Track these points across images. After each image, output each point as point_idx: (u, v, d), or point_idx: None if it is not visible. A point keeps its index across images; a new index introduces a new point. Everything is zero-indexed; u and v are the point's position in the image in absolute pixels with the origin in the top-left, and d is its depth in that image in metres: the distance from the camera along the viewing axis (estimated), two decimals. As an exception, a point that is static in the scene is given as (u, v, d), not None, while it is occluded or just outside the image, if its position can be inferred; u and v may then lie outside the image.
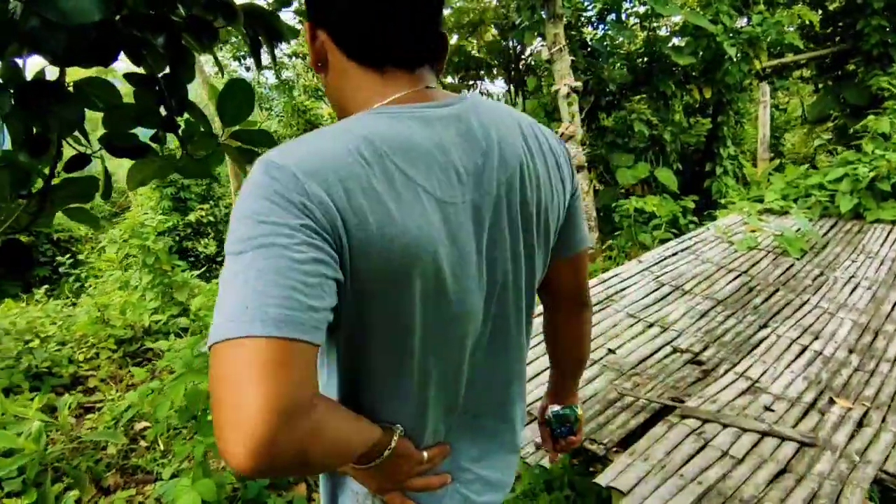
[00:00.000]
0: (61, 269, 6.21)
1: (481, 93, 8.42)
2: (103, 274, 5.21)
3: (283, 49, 9.60)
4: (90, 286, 5.62)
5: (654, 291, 3.14)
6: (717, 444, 1.81)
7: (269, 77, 10.05)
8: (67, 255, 6.23)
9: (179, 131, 1.22)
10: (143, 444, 2.83)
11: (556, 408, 1.08)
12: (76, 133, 1.07)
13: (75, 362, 3.45)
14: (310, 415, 0.51)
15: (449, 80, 8.64)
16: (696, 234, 4.12)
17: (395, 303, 0.61)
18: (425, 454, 0.75)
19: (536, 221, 0.74)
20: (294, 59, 10.26)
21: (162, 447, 2.76)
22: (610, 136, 6.29)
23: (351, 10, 0.63)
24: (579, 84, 5.31)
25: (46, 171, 1.06)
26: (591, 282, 3.24)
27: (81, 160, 1.15)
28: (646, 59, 6.61)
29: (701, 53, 6.28)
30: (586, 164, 5.42)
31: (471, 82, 8.56)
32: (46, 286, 5.53)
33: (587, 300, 0.98)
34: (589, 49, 6.43)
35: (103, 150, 1.16)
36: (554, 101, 6.74)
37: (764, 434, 1.87)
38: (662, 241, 5.40)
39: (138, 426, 2.93)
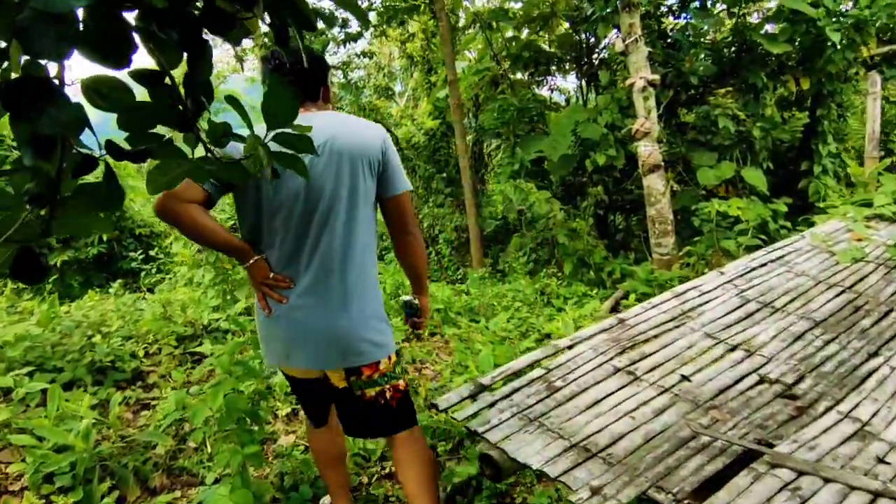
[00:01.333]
0: (133, 265, 6.52)
1: (551, 88, 8.08)
2: (177, 269, 5.41)
3: (356, 48, 9.66)
4: (164, 281, 5.85)
5: (737, 308, 2.77)
6: None
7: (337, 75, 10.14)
8: (139, 252, 6.53)
9: (202, 133, 1.11)
10: (191, 444, 2.82)
11: (406, 298, 1.84)
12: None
13: (138, 357, 3.53)
14: (180, 204, 1.46)
15: (518, 76, 8.37)
16: (789, 243, 3.66)
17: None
18: (272, 274, 1.59)
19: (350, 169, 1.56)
20: (364, 58, 10.32)
21: (209, 449, 2.73)
22: (691, 133, 5.81)
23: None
24: (656, 77, 4.91)
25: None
26: (664, 295, 2.91)
27: (87, 164, 1.05)
28: (733, 48, 6.06)
29: (798, 40, 5.66)
30: (662, 164, 5.01)
31: (540, 77, 8.24)
32: (121, 280, 5.79)
33: (411, 230, 1.71)
34: (669, 40, 5.97)
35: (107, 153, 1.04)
36: (628, 95, 6.33)
37: (877, 494, 1.53)
38: (749, 249, 4.90)
39: (188, 426, 2.93)
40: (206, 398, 2.23)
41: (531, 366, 2.32)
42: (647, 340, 2.49)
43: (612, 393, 2.11)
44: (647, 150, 4.96)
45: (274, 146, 0.95)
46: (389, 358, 1.65)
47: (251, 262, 1.58)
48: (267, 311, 1.60)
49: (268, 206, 1.54)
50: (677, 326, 2.60)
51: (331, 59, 9.58)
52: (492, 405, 2.03)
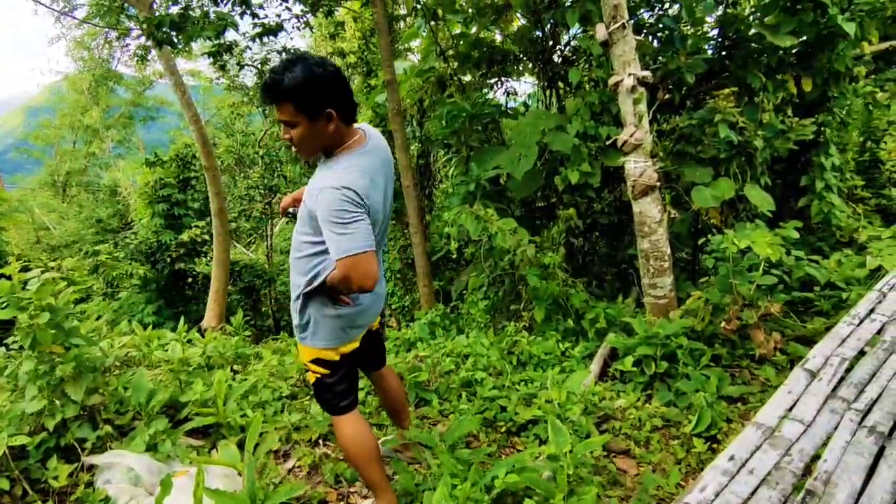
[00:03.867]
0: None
1: (507, 92, 6.96)
2: None
3: (274, 44, 8.27)
4: None
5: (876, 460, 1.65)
6: None
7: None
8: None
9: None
10: None
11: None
12: None
13: None
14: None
15: (468, 77, 7.20)
16: (871, 306, 2.60)
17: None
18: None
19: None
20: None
21: None
22: (680, 144, 4.80)
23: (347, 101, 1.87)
24: (648, 74, 3.84)
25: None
26: (746, 434, 1.77)
27: None
28: (724, 42, 5.12)
29: (800, 33, 4.76)
30: (657, 184, 3.95)
31: (493, 80, 7.10)
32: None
33: None
34: (656, 29, 4.97)
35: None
36: (601, 100, 5.28)
37: None
38: (770, 290, 3.88)
39: None
40: None
41: None
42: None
43: None
44: (639, 168, 3.88)
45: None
46: None
47: None
48: (351, 303, 2.05)
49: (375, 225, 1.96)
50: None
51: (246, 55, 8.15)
52: None
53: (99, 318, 5.09)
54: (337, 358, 2.12)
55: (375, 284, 1.79)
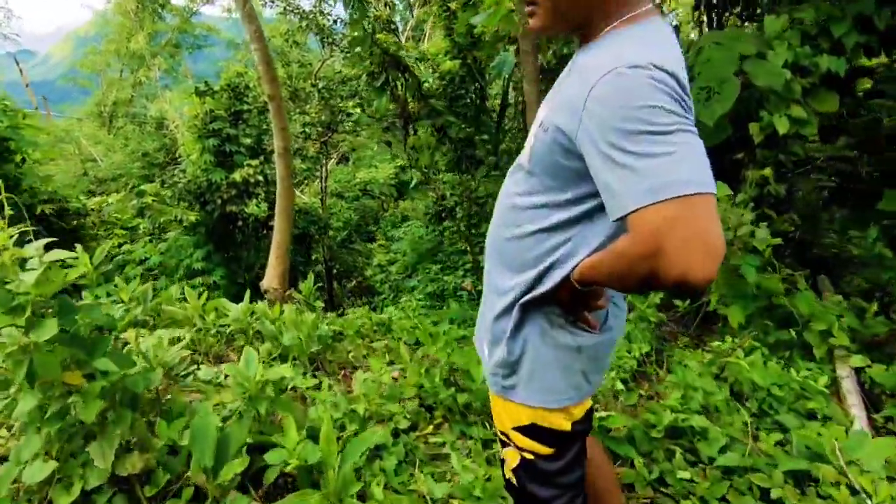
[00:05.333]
0: None
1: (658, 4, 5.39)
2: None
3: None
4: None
5: None
6: None
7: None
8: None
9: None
10: None
11: None
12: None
13: None
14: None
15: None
16: None
17: None
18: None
19: None
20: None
21: None
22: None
23: None
24: None
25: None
26: None
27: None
28: None
29: None
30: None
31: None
32: None
33: None
34: None
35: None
36: (825, 14, 3.77)
37: None
38: None
39: None
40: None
41: None
42: None
43: None
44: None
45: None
46: None
47: None
48: (597, 326, 1.17)
49: None
50: None
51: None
52: None
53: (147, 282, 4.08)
54: (568, 427, 1.22)
55: (717, 268, 0.86)
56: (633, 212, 0.86)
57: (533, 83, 4.01)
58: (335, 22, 13.17)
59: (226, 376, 2.53)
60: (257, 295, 7.42)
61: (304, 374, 2.97)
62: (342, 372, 3.36)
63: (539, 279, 1.12)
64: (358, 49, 6.15)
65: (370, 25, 5.63)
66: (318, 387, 2.76)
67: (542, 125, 1.06)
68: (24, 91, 22.33)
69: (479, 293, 9.87)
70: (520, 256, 1.15)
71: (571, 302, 1.11)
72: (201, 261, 10.22)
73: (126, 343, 2.37)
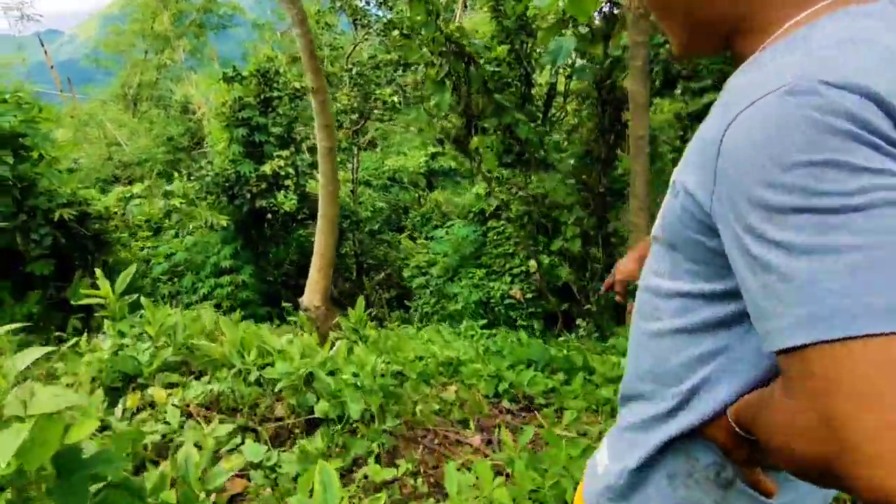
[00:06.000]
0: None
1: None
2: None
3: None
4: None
5: None
6: None
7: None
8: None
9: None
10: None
11: None
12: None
13: None
14: None
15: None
16: None
17: None
18: None
19: None
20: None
21: None
22: None
23: None
24: None
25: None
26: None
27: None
28: None
29: None
30: None
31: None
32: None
33: None
34: None
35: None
36: None
37: None
38: None
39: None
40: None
41: None
42: None
43: None
44: None
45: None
46: None
47: None
48: (774, 492, 0.72)
49: None
50: None
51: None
52: None
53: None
54: None
55: None
56: (788, 351, 0.49)
57: (641, 83, 3.26)
58: (368, 2, 12.47)
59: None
60: (291, 302, 6.87)
61: (372, 454, 2.38)
62: (415, 437, 2.77)
63: (686, 401, 0.72)
64: (414, 35, 5.43)
65: (433, 7, 4.91)
66: (396, 480, 2.17)
67: (674, 185, 0.70)
68: (50, 72, 22.04)
69: (528, 301, 9.20)
70: (663, 362, 0.76)
71: (731, 448, 0.70)
72: (229, 258, 9.73)
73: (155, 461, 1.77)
